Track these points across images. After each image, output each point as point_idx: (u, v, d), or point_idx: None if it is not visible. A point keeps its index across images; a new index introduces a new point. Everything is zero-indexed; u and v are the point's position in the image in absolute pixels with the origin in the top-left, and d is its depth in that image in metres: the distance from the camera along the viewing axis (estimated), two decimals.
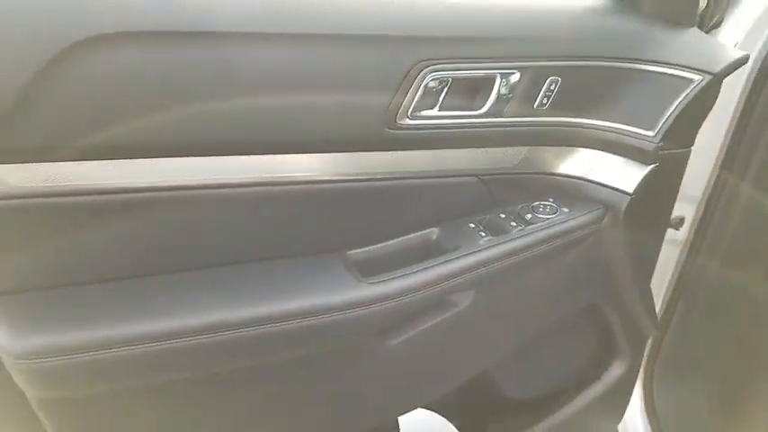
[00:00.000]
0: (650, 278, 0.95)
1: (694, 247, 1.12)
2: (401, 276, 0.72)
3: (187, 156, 0.63)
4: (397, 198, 0.77)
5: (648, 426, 1.19)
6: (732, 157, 1.04)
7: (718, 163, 1.06)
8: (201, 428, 0.73)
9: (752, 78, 0.98)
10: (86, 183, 0.60)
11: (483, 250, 0.76)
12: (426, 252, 0.77)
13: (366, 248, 0.77)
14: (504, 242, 0.77)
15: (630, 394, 1.09)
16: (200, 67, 0.59)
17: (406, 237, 0.79)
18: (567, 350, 1.01)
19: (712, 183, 1.07)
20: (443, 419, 1.01)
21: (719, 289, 1.16)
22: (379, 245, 0.78)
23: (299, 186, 0.70)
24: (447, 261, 0.74)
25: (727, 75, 0.80)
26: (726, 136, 1.03)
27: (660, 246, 0.94)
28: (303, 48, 0.63)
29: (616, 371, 1.01)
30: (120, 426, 0.67)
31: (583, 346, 1.01)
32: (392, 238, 0.78)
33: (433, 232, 0.80)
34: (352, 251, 0.76)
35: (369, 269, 0.74)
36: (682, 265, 1.15)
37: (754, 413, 1.28)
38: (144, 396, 0.66)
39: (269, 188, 0.69)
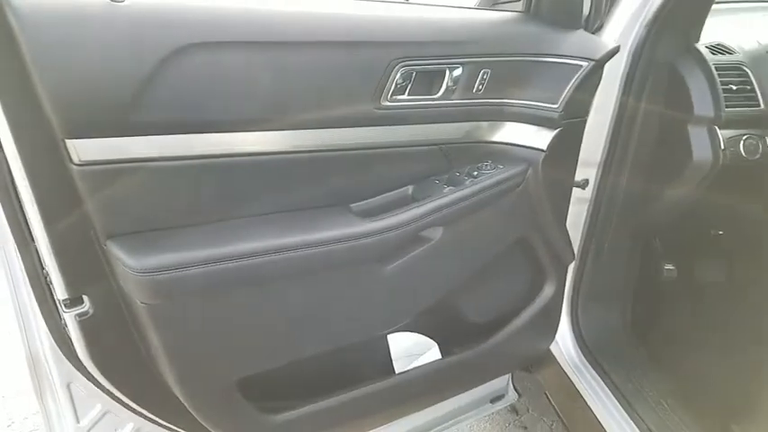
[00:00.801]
0: (565, 218, 1.27)
1: (597, 201, 1.45)
2: (391, 216, 0.99)
3: (245, 131, 0.89)
4: (384, 163, 1.05)
5: (575, 342, 1.50)
6: (618, 130, 1.37)
7: (609, 134, 1.39)
8: (263, 320, 0.98)
9: (627, 64, 1.32)
10: (184, 151, 0.85)
11: (446, 197, 1.04)
12: (407, 202, 1.05)
13: (364, 201, 1.04)
14: (460, 190, 1.06)
15: (560, 314, 1.40)
16: (256, 68, 0.86)
17: (391, 192, 1.07)
18: (508, 279, 1.30)
19: (606, 150, 1.40)
20: (427, 339, 1.28)
21: (620, 234, 1.49)
22: (372, 199, 1.05)
23: (317, 154, 0.97)
24: (422, 204, 1.02)
25: (606, 61, 1.13)
26: (613, 113, 1.36)
27: (569, 192, 1.26)
28: (320, 51, 0.91)
29: (546, 293, 1.31)
30: (211, 321, 0.92)
31: (519, 274, 1.31)
32: (382, 194, 1.06)
33: (409, 188, 1.08)
34: (354, 204, 1.03)
35: (368, 215, 1.01)
36: (590, 216, 1.47)
37: (659, 324, 1.63)
38: (224, 299, 0.91)
39: (297, 155, 0.95)
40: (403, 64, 0.99)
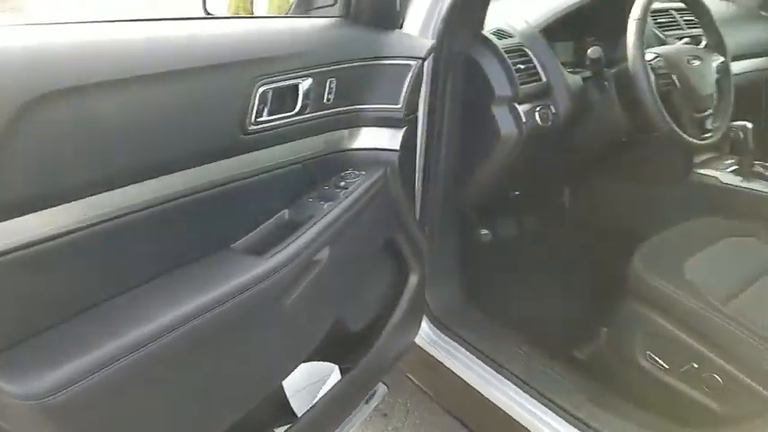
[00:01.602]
0: (415, 207, 1.33)
1: (424, 185, 1.53)
2: (283, 248, 0.91)
3: (102, 191, 0.71)
4: (256, 192, 0.95)
5: (427, 318, 1.57)
6: (432, 119, 1.45)
7: (425, 124, 1.47)
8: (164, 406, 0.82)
9: (431, 58, 1.41)
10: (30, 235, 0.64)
11: (328, 214, 0.99)
12: (291, 227, 0.98)
13: (245, 238, 0.93)
14: (339, 204, 1.02)
15: (424, 300, 1.47)
16: (102, 115, 0.69)
17: (269, 221, 0.98)
18: (378, 280, 1.32)
19: (425, 139, 1.48)
20: (317, 364, 1.22)
21: (446, 211, 1.61)
22: (252, 233, 0.95)
23: (189, 198, 0.83)
24: (310, 227, 0.96)
25: (427, 58, 1.19)
26: (424, 105, 1.43)
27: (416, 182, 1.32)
28: (176, 81, 0.77)
29: (411, 284, 1.35)
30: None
31: (386, 274, 1.33)
32: (260, 225, 0.96)
33: (285, 212, 1.01)
34: (235, 244, 0.92)
35: (254, 252, 0.91)
36: (420, 200, 1.55)
37: (490, 284, 1.81)
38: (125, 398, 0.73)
39: (169, 204, 0.80)
40: (262, 82, 0.90)
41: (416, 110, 1.22)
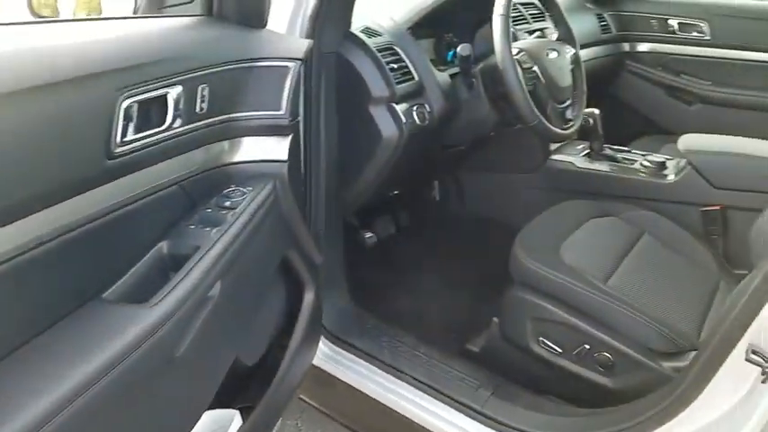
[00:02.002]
0: (306, 219, 1.23)
1: (308, 195, 1.43)
2: (170, 291, 0.77)
3: None
4: (127, 225, 0.79)
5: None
6: (308, 124, 1.36)
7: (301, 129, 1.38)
8: None
9: None
10: None
11: (217, 242, 0.86)
12: (174, 263, 0.83)
13: (119, 283, 0.77)
14: (227, 229, 0.89)
15: (321, 315, 1.37)
16: None
17: (145, 258, 0.82)
18: (277, 302, 1.20)
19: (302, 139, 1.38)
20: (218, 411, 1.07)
21: (330, 219, 1.52)
22: (128, 275, 0.78)
23: (48, 245, 0.65)
24: (198, 261, 0.82)
25: (308, 59, 1.10)
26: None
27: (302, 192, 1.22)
28: (8, 106, 0.60)
29: (307, 302, 1.26)
30: None
31: (283, 294, 1.22)
32: (134, 264, 0.80)
33: (163, 245, 0.85)
34: (108, 292, 0.75)
35: (134, 298, 0.75)
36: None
37: (379, 287, 1.77)
38: None
39: (25, 255, 0.62)
40: (126, 94, 0.75)
41: (297, 114, 1.12)
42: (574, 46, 1.62)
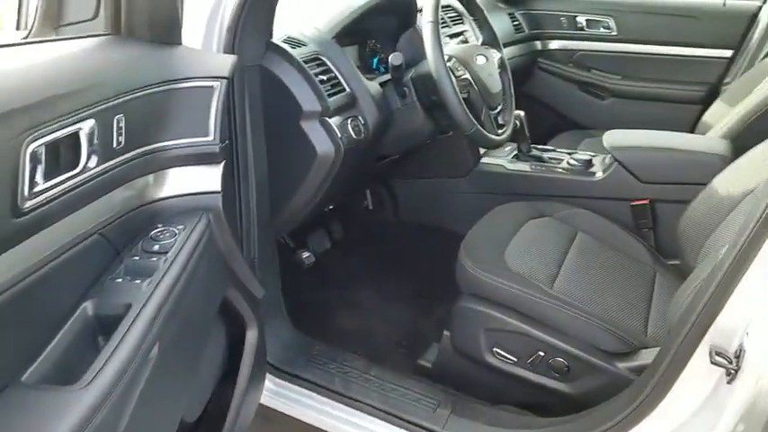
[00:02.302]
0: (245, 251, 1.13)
1: (241, 221, 1.33)
2: (104, 366, 0.66)
3: None
4: (41, 289, 0.67)
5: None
6: (233, 143, 1.26)
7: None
8: None
9: None
10: None
11: (152, 297, 0.75)
12: (103, 326, 0.71)
13: (40, 360, 0.65)
14: (160, 281, 0.78)
15: (265, 352, 1.27)
16: None
17: (68, 325, 0.70)
18: (218, 348, 1.10)
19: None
20: None
21: (264, 244, 1.42)
22: (50, 349, 0.66)
23: None
24: (133, 323, 0.71)
25: (233, 76, 1.01)
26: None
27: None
28: None
29: (251, 339, 1.16)
30: None
31: (225, 337, 1.12)
32: (57, 333, 0.68)
33: (87, 306, 0.73)
34: (27, 374, 0.63)
35: (60, 379, 0.64)
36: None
37: (321, 310, 1.69)
38: None
39: None
40: (31, 137, 0.63)
41: (226, 137, 1.02)
42: (499, 50, 1.61)
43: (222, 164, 0.95)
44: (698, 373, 0.90)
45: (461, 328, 1.38)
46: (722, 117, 1.97)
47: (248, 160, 1.27)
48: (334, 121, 1.32)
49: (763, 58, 2.11)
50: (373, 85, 1.47)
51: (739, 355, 0.82)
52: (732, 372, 0.82)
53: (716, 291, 0.87)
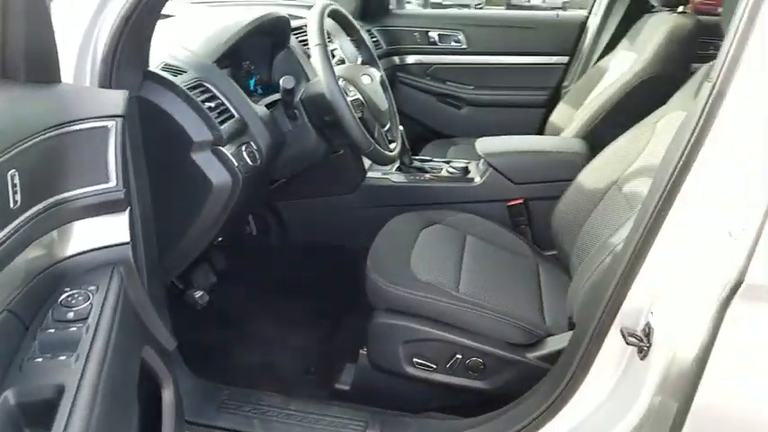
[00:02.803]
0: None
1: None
2: None
3: None
4: None
5: None
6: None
7: None
8: None
9: None
10: None
11: (85, 373, 0.66)
12: (29, 418, 0.61)
13: None
14: (89, 352, 0.69)
15: (182, 410, 1.17)
16: None
17: None
18: (132, 415, 0.98)
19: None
20: None
21: (153, 286, 1.31)
22: None
23: None
24: (72, 409, 0.62)
25: (129, 112, 0.92)
26: None
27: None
28: None
29: (168, 400, 1.06)
30: None
31: (141, 401, 1.01)
32: None
33: (8, 396, 0.62)
34: None
35: None
36: None
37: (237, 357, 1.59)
38: None
39: None
40: None
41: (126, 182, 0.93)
42: (378, 68, 1.65)
43: (128, 211, 0.87)
44: (612, 353, 1.00)
45: (379, 344, 1.40)
46: (567, 117, 2.22)
47: (132, 198, 1.17)
48: (228, 150, 1.26)
49: (596, 62, 2.40)
50: (261, 109, 1.43)
51: (648, 333, 0.93)
52: (644, 348, 0.93)
53: (620, 279, 0.97)
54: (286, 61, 1.68)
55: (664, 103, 1.49)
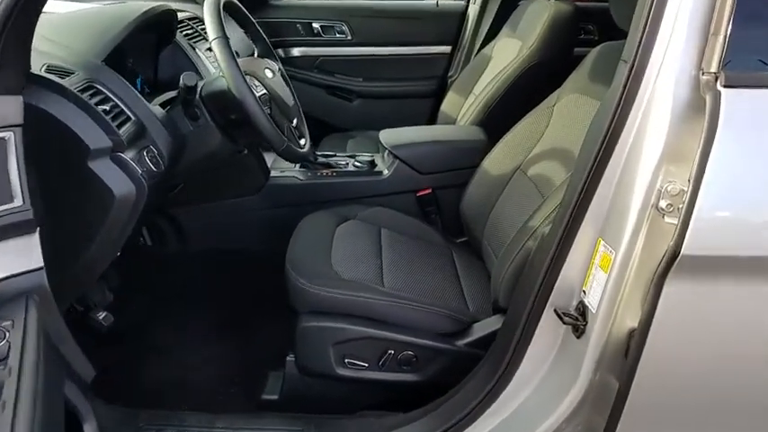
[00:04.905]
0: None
1: None
2: None
3: None
4: None
5: None
6: None
7: None
8: None
9: None
10: None
11: (16, 422, 0.57)
12: None
13: None
14: (17, 398, 0.59)
15: None
16: None
17: None
18: None
19: None
20: None
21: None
22: None
23: None
24: None
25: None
26: None
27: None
28: None
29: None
30: None
31: None
32: None
33: None
34: None
35: None
36: None
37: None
38: None
39: None
40: None
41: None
42: (276, 60, 1.58)
43: (37, 232, 0.75)
44: (547, 333, 1.05)
45: (307, 348, 1.35)
46: (457, 106, 2.29)
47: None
48: (129, 156, 1.14)
49: (478, 51, 2.50)
50: (157, 109, 1.31)
51: (583, 311, 0.98)
52: (581, 327, 0.98)
53: (551, 261, 1.02)
54: (172, 57, 1.56)
55: (551, 87, 1.58)
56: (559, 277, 1.02)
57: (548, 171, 1.41)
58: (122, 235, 1.19)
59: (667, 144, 0.86)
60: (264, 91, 1.35)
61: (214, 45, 1.24)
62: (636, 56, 0.86)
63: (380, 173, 1.84)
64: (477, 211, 1.64)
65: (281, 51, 2.73)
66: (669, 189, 0.86)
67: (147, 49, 1.56)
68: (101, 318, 1.39)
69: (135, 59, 1.53)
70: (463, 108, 2.23)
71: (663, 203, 0.86)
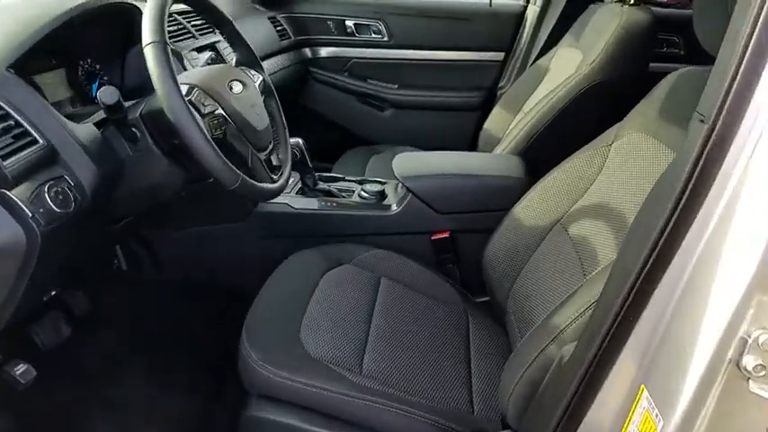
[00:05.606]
0: None
1: None
2: None
3: None
4: None
5: None
6: None
7: None
8: None
9: None
10: None
11: None
12: None
13: None
14: None
15: None
16: None
17: None
18: None
19: None
20: None
21: None
22: None
23: None
24: None
25: None
26: None
27: None
28: None
29: None
30: None
31: None
32: None
33: None
34: None
35: None
36: None
37: None
38: None
39: None
40: None
41: None
42: (259, 70, 1.27)
43: None
44: None
45: None
46: (503, 125, 1.92)
47: None
48: (18, 194, 0.87)
49: (534, 60, 2.11)
50: (85, 129, 1.03)
51: None
52: None
53: (574, 397, 0.67)
54: (142, 60, 1.28)
55: (616, 114, 1.20)
56: (584, 421, 0.67)
57: (593, 237, 1.04)
58: (15, 290, 0.92)
59: (766, 259, 0.49)
60: (220, 111, 1.05)
61: (147, 51, 0.95)
62: (719, 116, 0.50)
63: (389, 207, 1.50)
64: (501, 269, 1.28)
65: (307, 51, 2.43)
66: (761, 339, 0.49)
67: (108, 48, 1.29)
68: (17, 373, 1.13)
69: (93, 59, 1.27)
70: (511, 125, 1.86)
71: (748, 361, 0.49)
